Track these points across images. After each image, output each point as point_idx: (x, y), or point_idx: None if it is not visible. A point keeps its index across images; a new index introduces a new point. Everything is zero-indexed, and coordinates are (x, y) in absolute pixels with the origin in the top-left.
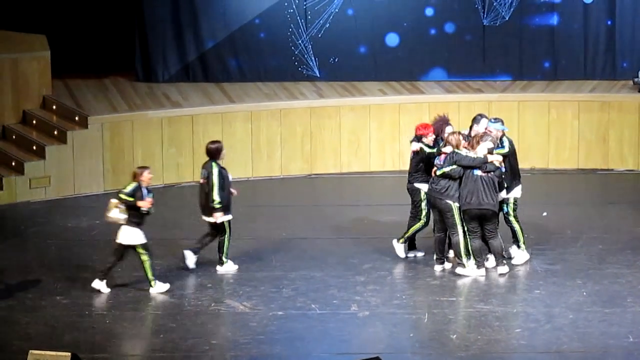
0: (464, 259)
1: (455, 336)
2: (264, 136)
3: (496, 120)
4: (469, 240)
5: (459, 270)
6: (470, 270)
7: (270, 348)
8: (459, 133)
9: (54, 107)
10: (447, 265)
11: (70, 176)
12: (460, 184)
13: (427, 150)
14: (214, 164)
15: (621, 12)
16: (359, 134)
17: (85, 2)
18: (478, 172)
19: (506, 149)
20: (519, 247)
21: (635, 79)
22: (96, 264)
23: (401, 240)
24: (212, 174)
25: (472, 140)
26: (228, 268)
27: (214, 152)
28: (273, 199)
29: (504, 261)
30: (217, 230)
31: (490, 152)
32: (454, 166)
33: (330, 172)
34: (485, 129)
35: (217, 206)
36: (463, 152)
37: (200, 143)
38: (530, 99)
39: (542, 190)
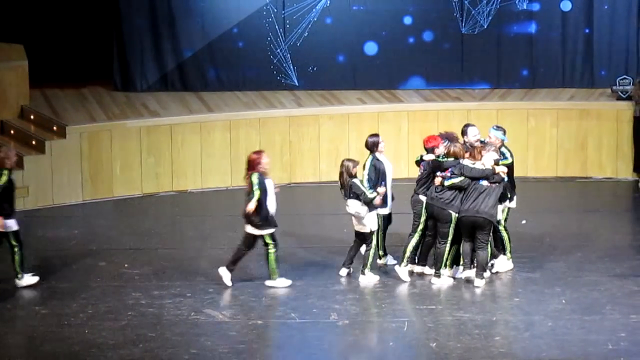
0: (441, 269)
1: (434, 344)
2: (243, 145)
3: (498, 128)
4: (463, 245)
5: (433, 280)
6: (444, 281)
7: (250, 357)
8: (463, 143)
9: (32, 117)
10: (427, 270)
11: (48, 186)
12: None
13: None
14: (371, 157)
15: (599, 21)
16: (337, 143)
17: (63, 11)
18: (484, 183)
19: (510, 159)
20: (504, 254)
21: (614, 87)
22: (74, 273)
23: (403, 264)
24: (365, 167)
25: (474, 151)
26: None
27: (371, 146)
28: None
29: (483, 275)
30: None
31: (497, 162)
32: (462, 177)
33: (310, 181)
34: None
35: (370, 198)
36: (469, 163)
37: (179, 152)
38: (509, 107)
39: (521, 199)
